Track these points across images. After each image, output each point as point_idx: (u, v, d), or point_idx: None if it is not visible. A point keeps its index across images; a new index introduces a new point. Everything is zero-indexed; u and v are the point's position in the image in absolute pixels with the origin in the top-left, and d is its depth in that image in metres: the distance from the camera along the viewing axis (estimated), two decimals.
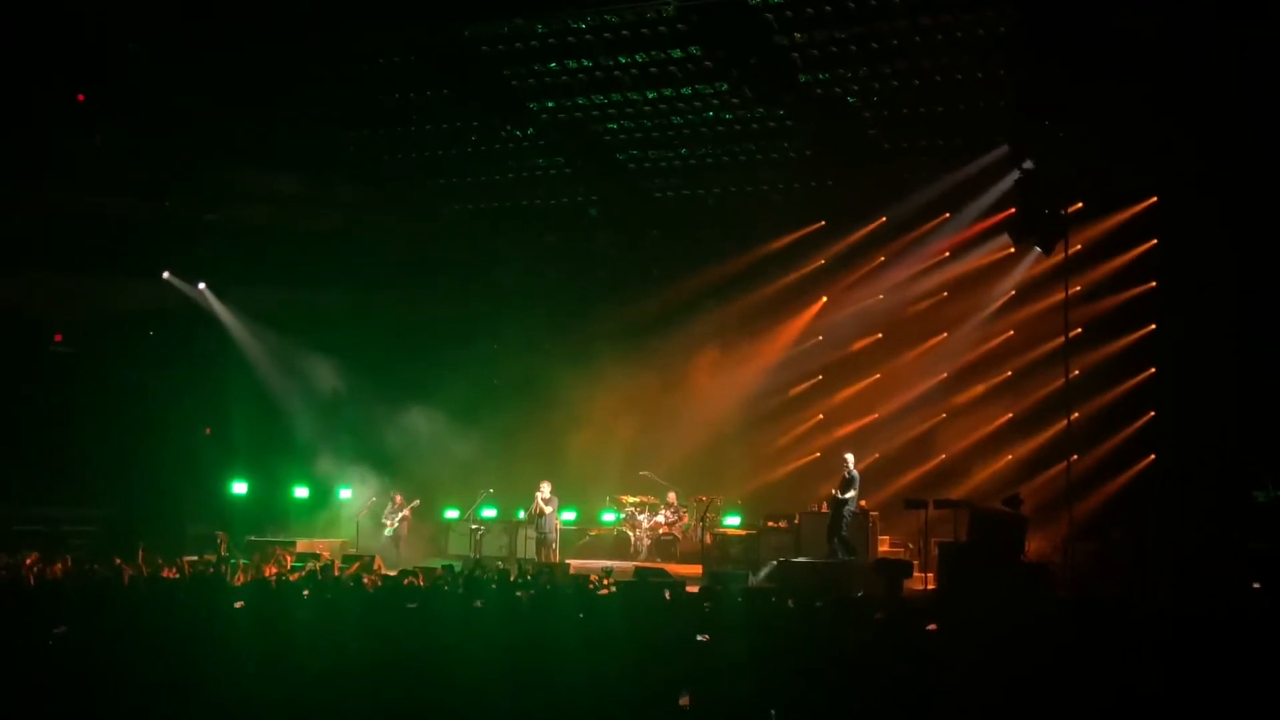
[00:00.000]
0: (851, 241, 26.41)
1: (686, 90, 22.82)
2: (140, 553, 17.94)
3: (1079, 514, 21.73)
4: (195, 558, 20.03)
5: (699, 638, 10.51)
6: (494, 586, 14.55)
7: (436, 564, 19.12)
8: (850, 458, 22.68)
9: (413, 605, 12.45)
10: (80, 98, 22.98)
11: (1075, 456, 21.94)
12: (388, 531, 25.49)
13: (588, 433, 27.71)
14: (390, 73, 23.19)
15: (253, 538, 24.24)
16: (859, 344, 26.95)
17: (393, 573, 17.21)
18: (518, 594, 13.84)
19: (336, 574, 16.81)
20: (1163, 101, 20.92)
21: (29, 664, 10.25)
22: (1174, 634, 11.03)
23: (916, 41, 20.68)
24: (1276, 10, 18.67)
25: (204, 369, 26.47)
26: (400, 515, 25.56)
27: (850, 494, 22.16)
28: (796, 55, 21.52)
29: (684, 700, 8.70)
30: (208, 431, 26.81)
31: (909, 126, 23.72)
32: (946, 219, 25.46)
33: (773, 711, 8.55)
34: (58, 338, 26.88)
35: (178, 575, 16.11)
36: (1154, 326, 23.66)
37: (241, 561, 19.26)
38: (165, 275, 26.71)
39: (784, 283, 27.05)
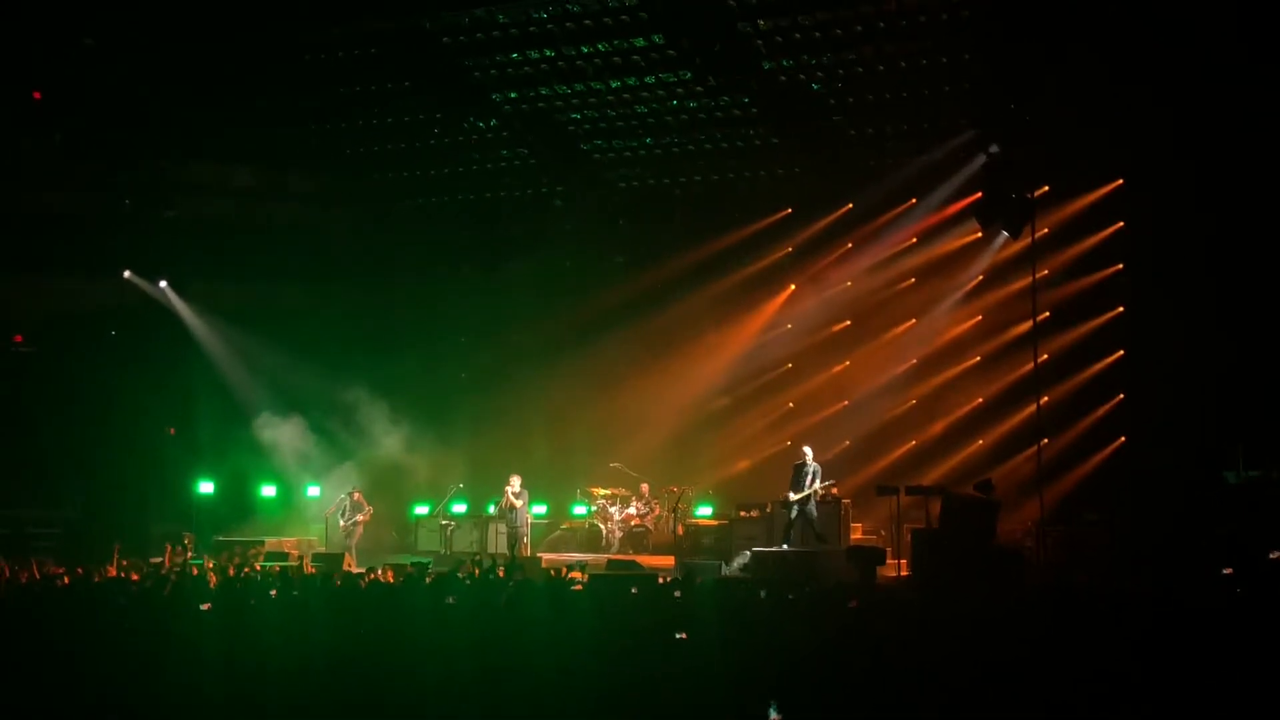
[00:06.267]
0: (819, 229, 26.31)
1: (650, 79, 22.73)
2: (115, 554, 17.73)
3: (1050, 498, 21.75)
4: (159, 559, 19.82)
5: (677, 635, 10.36)
6: (468, 583, 14.39)
7: (406, 560, 18.96)
8: (809, 450, 22.63)
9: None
10: (36, 95, 22.65)
11: (1046, 440, 21.95)
12: (341, 528, 25.00)
13: (557, 425, 27.63)
14: (350, 64, 22.99)
15: (220, 537, 23.96)
16: (827, 332, 26.87)
17: (361, 570, 17.04)
18: (500, 592, 13.66)
19: (309, 572, 16.65)
20: (1126, 82, 20.89)
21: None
22: (1147, 620, 11.00)
23: (880, 27, 20.62)
24: None
25: (166, 367, 26.12)
26: (356, 516, 24.99)
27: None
28: (760, 42, 21.46)
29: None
30: (171, 431, 26.52)
31: (874, 112, 23.63)
32: (913, 204, 25.40)
33: (772, 706, 8.42)
34: (18, 338, 26.54)
35: (148, 578, 15.92)
36: (1122, 309, 23.69)
37: (211, 563, 19.02)
38: (126, 274, 26.38)
39: (752, 271, 26.94)
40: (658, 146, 25.58)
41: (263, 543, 23.48)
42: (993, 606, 12.78)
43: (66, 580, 14.68)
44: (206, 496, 25.96)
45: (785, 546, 21.73)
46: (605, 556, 23.34)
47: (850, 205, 25.89)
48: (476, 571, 16.03)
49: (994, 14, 20.31)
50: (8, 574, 15.37)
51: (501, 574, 15.45)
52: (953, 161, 24.05)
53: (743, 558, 21.88)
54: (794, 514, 21.93)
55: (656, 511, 26.33)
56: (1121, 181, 23.53)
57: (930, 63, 21.65)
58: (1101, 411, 23.68)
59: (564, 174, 27.14)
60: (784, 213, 26.55)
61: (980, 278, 25.20)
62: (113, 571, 16.03)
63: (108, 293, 26.34)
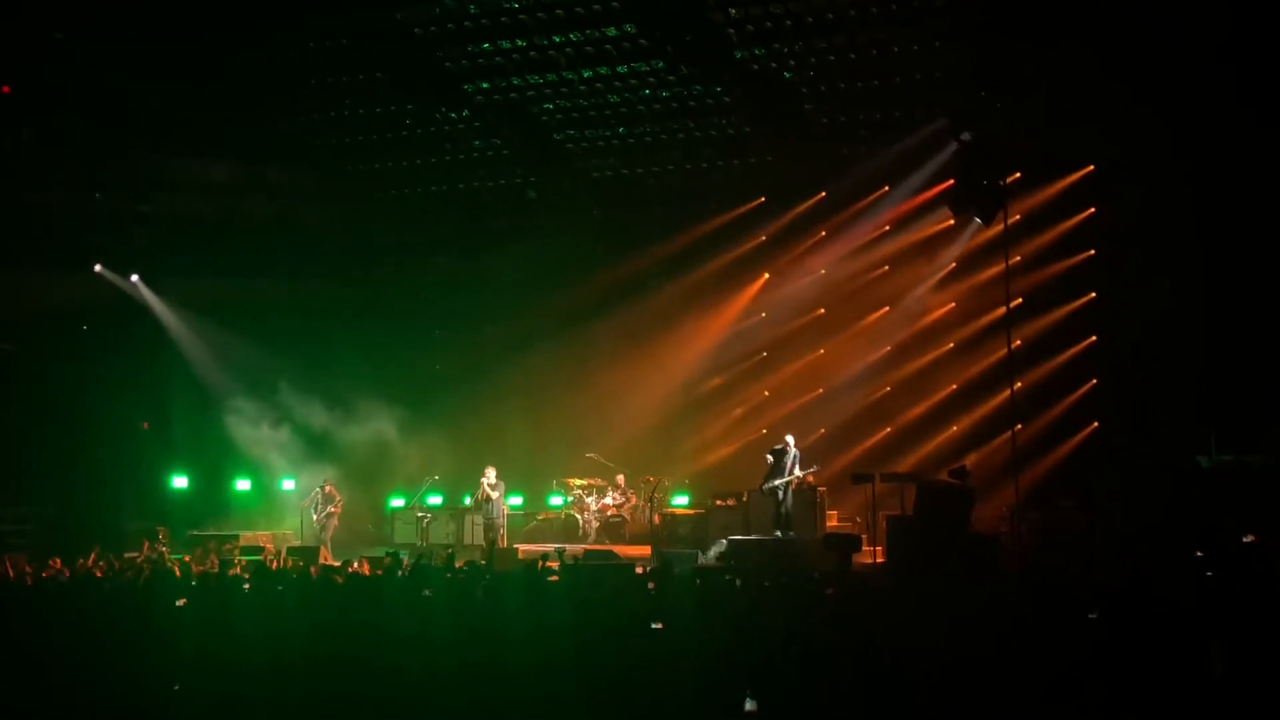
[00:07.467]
0: (792, 217, 26.33)
1: (623, 68, 22.68)
2: (94, 552, 17.69)
3: (1025, 484, 21.81)
4: (135, 554, 19.77)
5: (653, 625, 10.38)
6: (448, 575, 14.38)
7: (381, 552, 18.94)
8: (790, 437, 22.65)
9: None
10: (5, 89, 22.49)
11: (1020, 426, 22.02)
12: (315, 521, 24.94)
13: (533, 416, 27.58)
14: (323, 57, 22.88)
15: (194, 532, 23.90)
16: (802, 320, 26.93)
17: (337, 563, 17.03)
18: (478, 584, 13.66)
19: (288, 566, 16.61)
20: (1098, 68, 20.94)
21: None
22: (1122, 604, 11.04)
23: (852, 15, 20.63)
24: None
25: (140, 362, 26.00)
26: (328, 508, 24.88)
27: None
28: (732, 31, 21.43)
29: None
30: (145, 426, 26.41)
31: (846, 100, 23.62)
32: (886, 192, 25.43)
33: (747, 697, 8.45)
34: None
35: (126, 570, 15.88)
36: (1094, 294, 23.79)
37: (185, 557, 18.98)
38: (97, 268, 26.21)
39: (726, 260, 26.95)
40: (631, 136, 25.52)
41: (238, 537, 23.44)
42: (968, 593, 12.82)
43: (45, 574, 14.65)
44: (181, 491, 25.91)
45: (777, 534, 21.75)
46: (582, 547, 23.34)
47: (824, 193, 25.93)
48: (445, 558, 16.09)
49: (966, 1, 20.34)
50: None
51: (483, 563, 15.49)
52: (925, 149, 24.08)
53: (719, 547, 21.89)
54: (780, 497, 21.96)
55: (633, 501, 26.33)
56: (1093, 167, 23.62)
57: (902, 50, 21.68)
58: (1075, 397, 23.80)
59: (537, 164, 27.08)
60: (757, 201, 26.56)
61: (953, 265, 25.30)
62: (92, 565, 16.02)
63: (79, 288, 26.15)
